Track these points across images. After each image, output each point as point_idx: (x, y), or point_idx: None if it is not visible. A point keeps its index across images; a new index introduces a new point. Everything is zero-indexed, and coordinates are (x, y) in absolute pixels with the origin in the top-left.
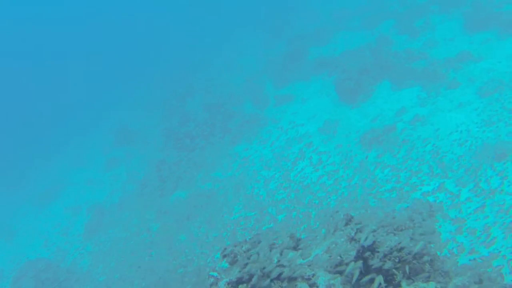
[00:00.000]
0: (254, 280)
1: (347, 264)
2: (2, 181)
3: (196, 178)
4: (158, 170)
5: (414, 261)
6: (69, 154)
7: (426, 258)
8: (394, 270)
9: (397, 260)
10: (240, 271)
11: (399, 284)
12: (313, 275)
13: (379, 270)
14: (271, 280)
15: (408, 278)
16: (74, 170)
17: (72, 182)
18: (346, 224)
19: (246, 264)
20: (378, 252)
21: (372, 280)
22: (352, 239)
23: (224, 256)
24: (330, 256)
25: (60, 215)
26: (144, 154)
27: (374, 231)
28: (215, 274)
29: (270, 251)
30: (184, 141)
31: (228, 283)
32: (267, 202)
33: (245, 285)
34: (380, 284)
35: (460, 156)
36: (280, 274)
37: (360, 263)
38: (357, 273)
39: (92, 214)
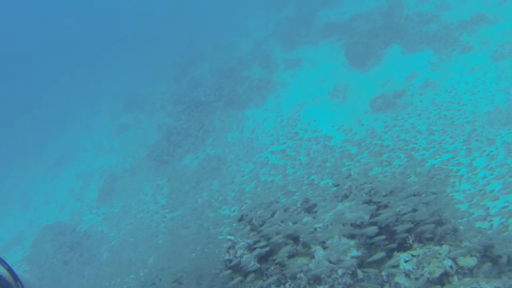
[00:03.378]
0: (270, 243)
1: (361, 228)
2: (17, 150)
3: (206, 143)
4: (167, 135)
5: (426, 225)
6: (80, 122)
7: (438, 222)
8: (406, 233)
9: (409, 225)
10: (256, 235)
11: (410, 248)
12: (328, 238)
13: (391, 234)
14: (286, 244)
15: (420, 241)
16: (85, 137)
17: (83, 149)
18: (359, 188)
19: (262, 228)
20: (391, 216)
21: (384, 243)
22: (366, 203)
23: (240, 220)
24: (344, 220)
25: (73, 181)
26: (154, 120)
27: (387, 195)
28: (232, 238)
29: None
30: (193, 106)
31: (245, 247)
32: (278, 165)
33: (261, 249)
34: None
35: (472, 122)
36: (295, 238)
37: (374, 228)
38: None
39: (104, 180)
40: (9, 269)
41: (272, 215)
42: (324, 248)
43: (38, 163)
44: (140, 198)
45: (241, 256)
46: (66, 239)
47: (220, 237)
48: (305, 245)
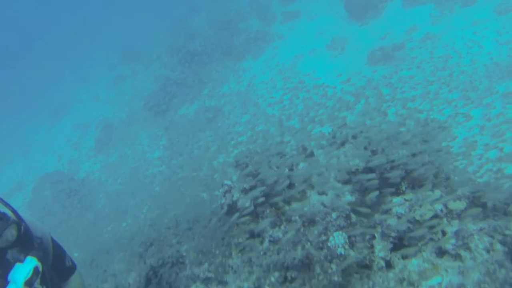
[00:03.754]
0: (266, 188)
1: (356, 174)
2: (14, 100)
3: (202, 94)
4: (164, 86)
5: (420, 173)
6: (77, 73)
7: (431, 170)
8: (399, 180)
9: (403, 172)
10: (252, 180)
11: (403, 194)
12: (323, 184)
13: (385, 180)
14: (282, 189)
15: (413, 188)
16: (81, 88)
17: (79, 100)
18: (354, 137)
19: (258, 173)
20: (385, 163)
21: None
22: (361, 150)
23: (237, 165)
24: (339, 167)
25: (70, 131)
26: (150, 71)
27: (382, 143)
28: (228, 182)
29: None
30: (189, 57)
31: (242, 191)
32: (274, 115)
33: (257, 192)
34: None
35: (470, 75)
36: (290, 183)
37: (370, 174)
38: (365, 182)
39: (101, 130)
40: (13, 210)
41: (268, 161)
42: (319, 193)
43: (36, 113)
44: (137, 148)
45: (238, 199)
46: (65, 186)
47: (216, 182)
48: (300, 190)
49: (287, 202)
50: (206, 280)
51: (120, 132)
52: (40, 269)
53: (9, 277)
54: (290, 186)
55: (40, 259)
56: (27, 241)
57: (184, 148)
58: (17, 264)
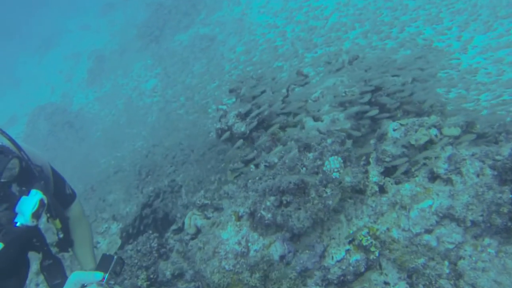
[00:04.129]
0: (262, 112)
1: (351, 102)
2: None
3: (196, 21)
4: (156, 13)
5: (415, 102)
6: (64, 2)
7: (426, 99)
8: (395, 106)
9: (398, 100)
10: (248, 104)
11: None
12: (318, 110)
13: (381, 106)
14: (278, 114)
15: (408, 115)
16: (69, 17)
17: (68, 30)
18: (350, 62)
19: (253, 98)
20: (381, 90)
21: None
22: (357, 77)
23: (231, 91)
24: (335, 92)
25: (61, 62)
26: None
27: (378, 69)
28: (223, 107)
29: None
30: None
31: (237, 115)
32: (270, 39)
33: (253, 116)
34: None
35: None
36: (286, 108)
37: (364, 100)
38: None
39: (93, 61)
40: (11, 139)
41: (264, 90)
42: (314, 119)
43: (24, 44)
44: (130, 78)
45: (233, 124)
46: (59, 118)
47: (210, 109)
48: (295, 116)
49: (282, 128)
50: (202, 207)
51: (112, 63)
52: (46, 201)
53: (17, 209)
54: (286, 111)
55: (44, 192)
56: (29, 174)
57: (178, 78)
58: (23, 197)
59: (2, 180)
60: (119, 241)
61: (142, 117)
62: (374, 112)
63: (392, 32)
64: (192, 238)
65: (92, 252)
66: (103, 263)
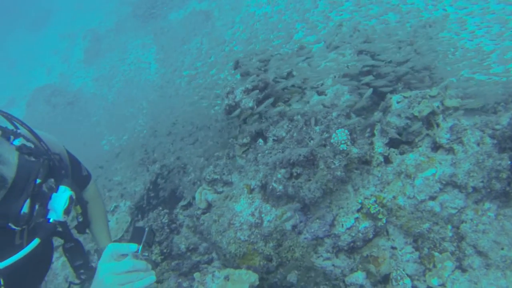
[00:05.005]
0: (268, 87)
1: (352, 77)
2: None
3: None
4: None
5: (415, 74)
6: None
7: (426, 72)
8: (396, 79)
9: (400, 74)
10: (254, 80)
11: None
12: (322, 84)
13: (382, 77)
14: (283, 89)
15: (409, 88)
16: None
17: (61, 8)
18: (351, 36)
19: (258, 74)
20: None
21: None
22: (360, 51)
23: (236, 67)
24: (338, 67)
25: (56, 42)
26: None
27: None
28: (230, 83)
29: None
30: None
31: (244, 91)
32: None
33: (258, 91)
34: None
35: None
36: (290, 83)
37: (368, 77)
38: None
39: (88, 40)
40: (30, 130)
41: (267, 61)
42: (319, 93)
43: (14, 24)
44: (127, 57)
45: (241, 100)
46: (59, 100)
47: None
48: (300, 90)
49: (287, 102)
50: (212, 182)
51: (109, 42)
52: (74, 197)
53: (49, 206)
54: (290, 86)
55: (71, 187)
56: (55, 169)
57: (176, 55)
58: (54, 194)
59: (37, 182)
60: (129, 219)
61: (141, 96)
62: (380, 82)
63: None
64: (203, 213)
65: (107, 229)
66: (136, 235)
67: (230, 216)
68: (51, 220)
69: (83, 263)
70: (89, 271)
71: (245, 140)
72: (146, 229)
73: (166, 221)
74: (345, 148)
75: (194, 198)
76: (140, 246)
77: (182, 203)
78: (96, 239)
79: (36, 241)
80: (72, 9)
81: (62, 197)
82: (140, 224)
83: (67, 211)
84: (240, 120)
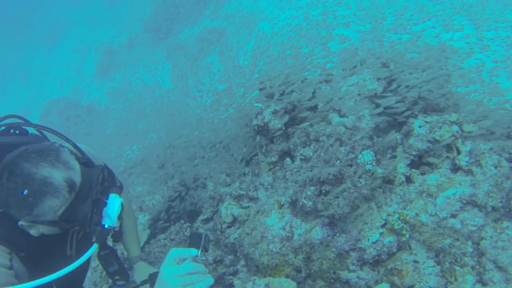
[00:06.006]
0: (295, 110)
1: (375, 99)
2: (2, 26)
3: (204, 15)
4: (163, 7)
5: (432, 98)
6: None
7: (443, 95)
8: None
9: (417, 97)
10: (280, 102)
11: (416, 117)
12: (344, 107)
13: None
14: (306, 109)
15: (425, 112)
16: (75, 10)
17: (74, 22)
18: (364, 61)
19: (282, 97)
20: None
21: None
22: (379, 78)
23: (261, 89)
24: (359, 91)
25: (68, 56)
26: None
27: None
28: (259, 104)
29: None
30: None
31: (273, 112)
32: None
33: (287, 114)
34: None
35: None
36: (315, 106)
37: (390, 98)
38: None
39: (101, 54)
40: (74, 145)
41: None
42: (340, 115)
43: (29, 38)
44: (139, 73)
45: (269, 121)
46: (71, 113)
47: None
48: (322, 112)
49: (310, 124)
50: (238, 197)
51: (121, 57)
52: (123, 204)
53: (103, 213)
54: (313, 109)
55: (120, 195)
56: (105, 180)
57: (187, 73)
58: (107, 202)
59: (96, 190)
60: (148, 231)
61: (153, 111)
62: (402, 108)
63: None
64: (229, 227)
65: (138, 239)
66: (193, 241)
67: (263, 229)
68: (106, 226)
69: (118, 269)
70: (124, 277)
71: (273, 159)
72: (203, 235)
73: (188, 234)
74: (371, 168)
75: (214, 212)
76: (199, 251)
77: (202, 217)
78: (127, 248)
79: (95, 247)
80: (85, 24)
81: (114, 204)
82: (161, 237)
83: (120, 218)
84: (267, 140)
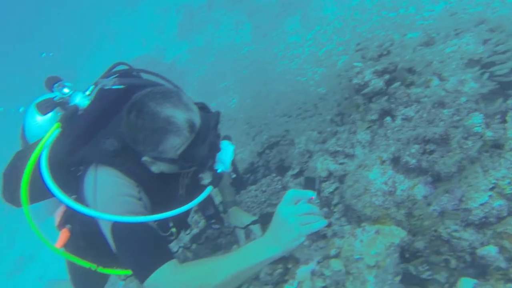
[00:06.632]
0: (396, 71)
1: (477, 63)
2: None
3: None
4: None
5: None
6: None
7: None
8: None
9: None
10: (378, 63)
11: None
12: (445, 71)
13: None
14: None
15: None
16: None
17: None
18: (476, 25)
19: (379, 57)
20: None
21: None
22: (484, 41)
23: (358, 50)
24: (461, 55)
25: (151, 15)
26: None
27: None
28: (359, 64)
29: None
30: None
31: (374, 72)
32: None
33: (388, 74)
34: None
35: None
36: (414, 68)
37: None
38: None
39: (182, 14)
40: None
41: (390, 45)
42: (440, 79)
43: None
44: (220, 33)
45: (370, 80)
46: (155, 70)
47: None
48: (421, 75)
49: (408, 86)
50: (334, 153)
51: (201, 17)
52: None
53: (217, 158)
54: (412, 71)
55: (231, 142)
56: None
57: (270, 32)
58: (222, 147)
59: (213, 134)
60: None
61: (235, 71)
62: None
63: None
64: (323, 181)
65: (230, 185)
66: (308, 185)
67: (365, 183)
68: (219, 171)
69: (214, 213)
70: (219, 221)
71: (373, 117)
72: (317, 179)
73: (280, 186)
74: (480, 131)
75: (302, 169)
76: (315, 193)
77: (291, 172)
78: (222, 193)
79: (210, 189)
80: None
81: (228, 150)
82: (252, 188)
83: (232, 163)
84: (365, 99)
